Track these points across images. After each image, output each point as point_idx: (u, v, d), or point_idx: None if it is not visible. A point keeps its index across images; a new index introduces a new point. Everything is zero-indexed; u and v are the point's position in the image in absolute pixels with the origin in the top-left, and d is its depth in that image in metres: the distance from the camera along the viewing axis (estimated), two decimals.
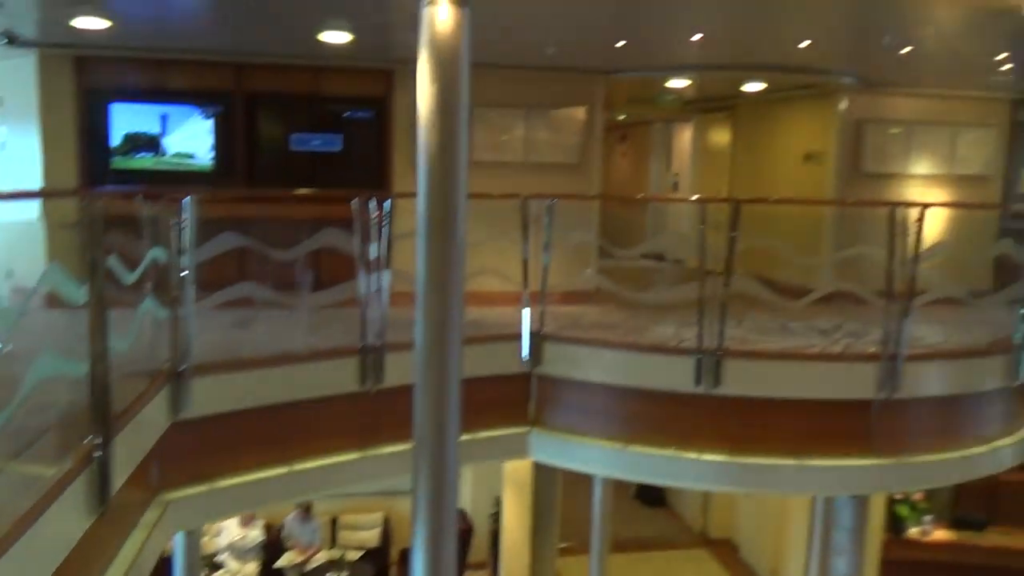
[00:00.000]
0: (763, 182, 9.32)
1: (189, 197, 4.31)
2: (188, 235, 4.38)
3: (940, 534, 9.19)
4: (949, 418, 5.84)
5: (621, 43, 6.13)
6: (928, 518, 9.14)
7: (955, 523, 9.32)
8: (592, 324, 6.64)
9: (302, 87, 7.22)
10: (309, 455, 5.10)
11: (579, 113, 7.71)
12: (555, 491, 8.33)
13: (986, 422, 6.06)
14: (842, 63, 7.21)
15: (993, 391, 5.97)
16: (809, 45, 5.86)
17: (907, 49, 5.73)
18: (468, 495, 9.91)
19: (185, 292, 4.41)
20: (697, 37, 5.70)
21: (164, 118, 6.96)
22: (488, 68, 7.19)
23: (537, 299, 5.90)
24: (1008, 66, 6.38)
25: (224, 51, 6.86)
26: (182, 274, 4.39)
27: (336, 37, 6.00)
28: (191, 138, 7.01)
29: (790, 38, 5.81)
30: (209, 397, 4.54)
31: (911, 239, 5.50)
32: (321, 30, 5.77)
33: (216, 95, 7.01)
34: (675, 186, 11.44)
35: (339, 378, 5.14)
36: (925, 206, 5.50)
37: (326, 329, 5.92)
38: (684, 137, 11.08)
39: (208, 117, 7.03)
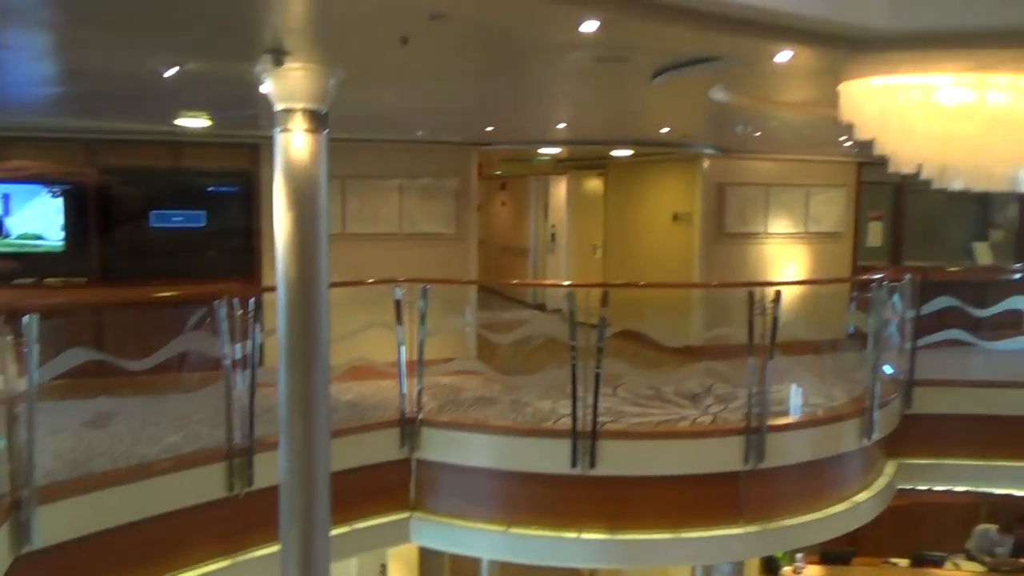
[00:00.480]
0: (635, 237, 9.61)
1: (30, 317, 3.99)
2: (31, 357, 4.05)
3: (812, 570, 9.60)
4: (811, 481, 6.14)
5: (489, 128, 6.20)
6: (800, 556, 9.54)
7: (824, 559, 9.77)
8: (471, 399, 6.62)
9: (160, 161, 6.88)
10: (174, 569, 4.82)
11: (453, 183, 7.73)
12: (442, 556, 8.22)
13: (845, 480, 6.42)
14: (701, 139, 7.56)
15: (851, 451, 6.33)
16: (669, 130, 6.12)
17: (758, 133, 6.08)
18: (353, 565, 9.63)
19: (26, 416, 4.07)
20: (562, 126, 5.85)
21: (6, 197, 6.48)
22: (360, 142, 7.10)
23: (414, 379, 5.85)
24: (849, 143, 6.87)
25: (72, 128, 6.46)
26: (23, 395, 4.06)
27: (194, 123, 5.77)
28: (39, 218, 6.54)
29: (650, 126, 6.04)
30: (57, 524, 4.20)
31: (768, 316, 5.75)
32: (177, 117, 5.53)
33: (65, 172, 6.57)
34: (553, 237, 11.62)
35: (205, 486, 4.88)
36: (780, 286, 5.77)
37: (192, 417, 5.65)
38: (560, 189, 11.30)
39: (57, 195, 6.59)
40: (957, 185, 3.86)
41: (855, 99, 3.62)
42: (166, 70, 3.27)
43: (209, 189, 7.03)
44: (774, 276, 8.89)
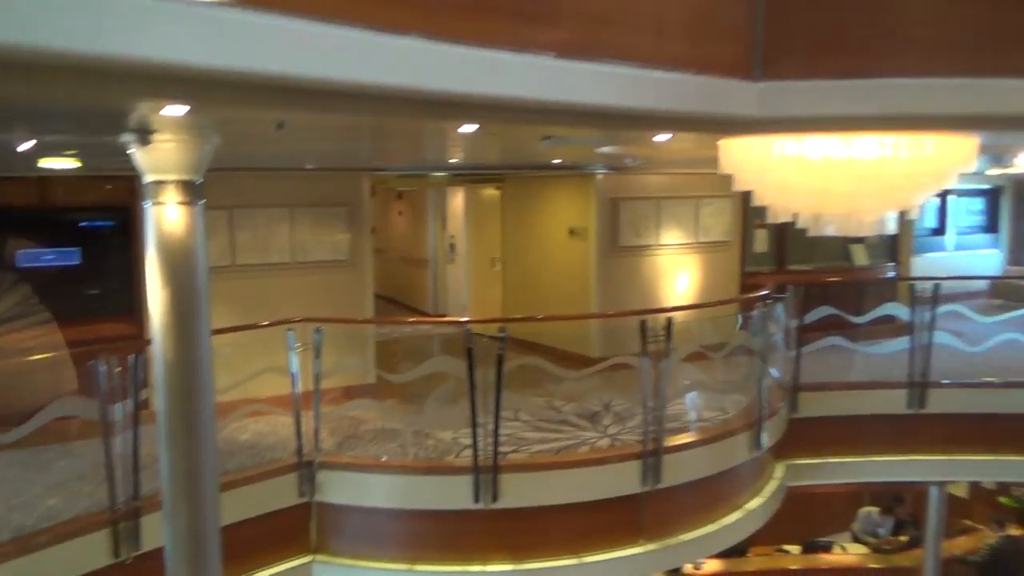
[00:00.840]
0: (534, 251, 9.67)
1: None
2: None
3: (710, 565, 9.99)
4: (707, 494, 6.36)
5: (378, 162, 6.10)
6: None
7: (720, 552, 10.14)
8: (372, 432, 6.52)
9: (25, 198, 6.41)
10: None
11: (346, 209, 7.56)
12: None
13: (739, 489, 6.68)
14: (594, 162, 7.66)
15: (743, 461, 6.59)
16: (561, 161, 6.17)
17: (646, 162, 6.22)
18: None
19: None
20: (454, 160, 5.80)
21: None
22: (246, 171, 6.85)
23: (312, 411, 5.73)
24: None
25: None
26: None
27: (61, 164, 5.42)
28: None
29: (543, 158, 6.06)
30: None
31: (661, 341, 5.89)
32: (42, 161, 5.17)
33: None
34: (452, 247, 11.55)
35: (88, 555, 4.64)
36: (671, 312, 5.92)
37: (72, 473, 5.37)
38: (457, 201, 11.24)
39: None
40: (831, 231, 4.03)
41: (734, 156, 3.71)
42: (20, 144, 3.04)
43: (82, 224, 6.61)
44: (668, 287, 9.13)
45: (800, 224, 3.99)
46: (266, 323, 5.71)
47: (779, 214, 3.96)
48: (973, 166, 3.87)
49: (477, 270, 10.58)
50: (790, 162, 3.71)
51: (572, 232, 8.93)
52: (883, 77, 2.56)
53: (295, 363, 5.67)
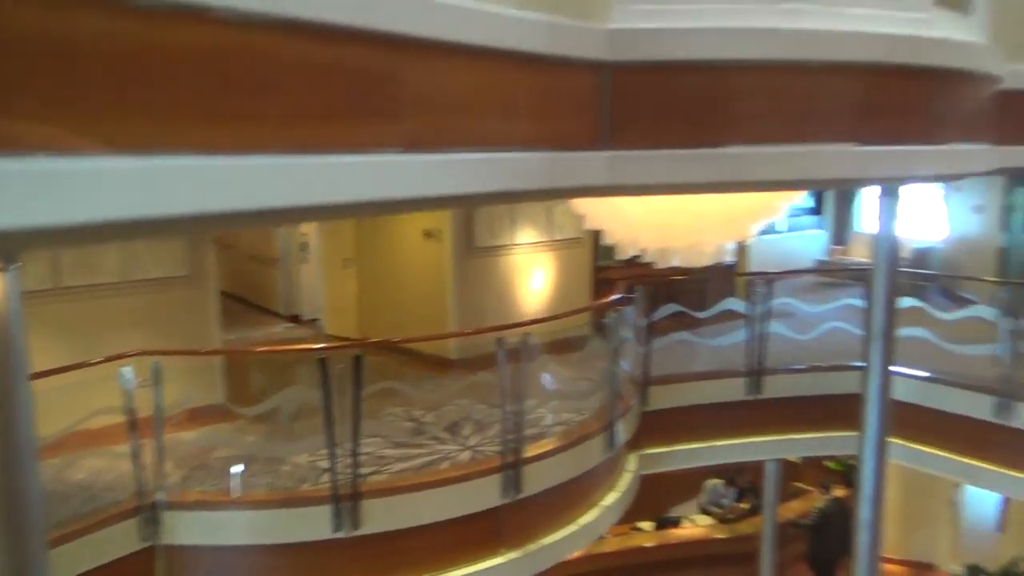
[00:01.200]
0: (388, 253, 9.50)
1: None
2: None
3: None
4: (565, 496, 6.52)
5: None
6: None
7: None
8: (222, 460, 6.21)
9: None
10: None
11: None
12: None
13: (595, 487, 6.90)
14: None
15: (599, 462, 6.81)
16: None
17: None
18: None
19: None
20: None
21: None
22: None
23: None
24: None
25: None
26: None
27: None
28: None
29: None
30: None
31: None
32: None
33: None
34: (304, 246, 11.15)
35: None
36: (528, 326, 5.99)
37: None
38: None
39: None
40: (676, 263, 4.22)
41: (586, 200, 3.79)
42: None
43: None
44: (524, 286, 9.23)
45: (647, 258, 4.14)
46: (98, 360, 5.27)
47: (627, 249, 4.09)
48: (802, 200, 4.12)
49: (331, 270, 10.27)
50: (638, 202, 3.83)
51: (427, 234, 8.83)
52: (719, 147, 2.64)
53: (131, 399, 5.28)
